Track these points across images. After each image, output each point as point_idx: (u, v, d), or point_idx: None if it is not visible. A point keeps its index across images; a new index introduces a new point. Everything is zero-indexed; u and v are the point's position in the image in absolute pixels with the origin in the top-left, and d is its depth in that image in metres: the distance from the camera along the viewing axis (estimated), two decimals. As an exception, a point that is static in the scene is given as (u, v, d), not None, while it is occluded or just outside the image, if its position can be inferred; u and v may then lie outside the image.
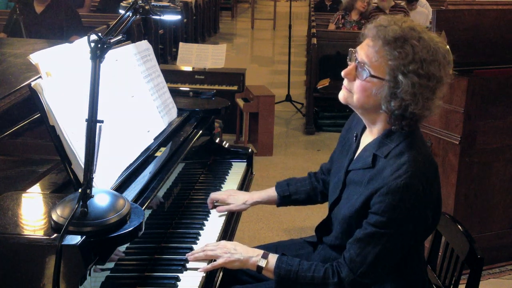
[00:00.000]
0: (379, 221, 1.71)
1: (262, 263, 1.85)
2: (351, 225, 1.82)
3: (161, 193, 1.98)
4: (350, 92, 1.81)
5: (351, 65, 1.79)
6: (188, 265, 1.88)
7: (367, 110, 1.82)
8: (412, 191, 1.69)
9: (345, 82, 1.83)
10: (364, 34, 1.79)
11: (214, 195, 2.32)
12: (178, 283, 1.79)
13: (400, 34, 1.71)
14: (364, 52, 1.76)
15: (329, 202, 2.02)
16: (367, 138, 1.90)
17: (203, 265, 1.88)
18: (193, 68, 5.90)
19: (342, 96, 1.84)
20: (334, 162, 2.08)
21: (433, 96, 1.73)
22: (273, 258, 1.86)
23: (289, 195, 2.25)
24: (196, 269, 1.86)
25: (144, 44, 2.35)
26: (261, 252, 1.88)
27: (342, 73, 1.81)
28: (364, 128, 1.94)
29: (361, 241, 1.75)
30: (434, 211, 1.81)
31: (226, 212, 2.27)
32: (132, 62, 2.18)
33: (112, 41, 1.50)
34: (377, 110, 1.79)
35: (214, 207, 2.30)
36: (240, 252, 1.89)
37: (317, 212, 3.73)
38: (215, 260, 1.89)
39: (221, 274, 1.93)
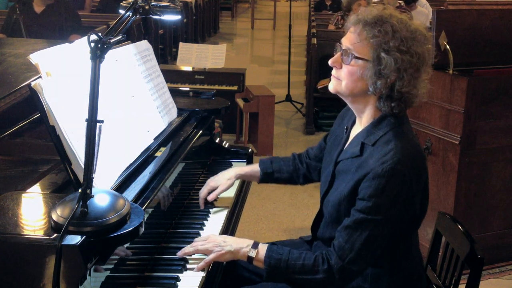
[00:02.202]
0: (366, 207, 1.74)
1: (252, 253, 1.85)
2: (340, 213, 1.85)
3: (161, 193, 1.98)
4: (339, 79, 1.86)
5: (337, 54, 1.85)
6: (188, 265, 1.88)
7: (356, 97, 1.86)
8: (398, 176, 1.72)
9: (333, 71, 1.88)
10: (347, 26, 1.86)
11: (201, 195, 2.30)
12: (178, 283, 1.78)
13: (379, 15, 1.79)
14: (347, 39, 1.83)
15: (320, 195, 2.04)
16: (356, 130, 1.93)
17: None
18: (193, 68, 5.90)
19: (332, 86, 1.89)
20: (324, 156, 2.11)
21: (417, 74, 1.78)
22: (263, 247, 1.86)
23: (272, 173, 2.28)
24: (196, 269, 1.87)
25: (144, 44, 2.35)
26: (251, 242, 1.88)
27: (329, 62, 1.87)
28: (354, 122, 1.98)
29: (349, 228, 1.77)
30: (421, 202, 1.83)
31: (226, 212, 2.28)
32: (132, 62, 2.18)
33: (112, 41, 1.50)
34: (365, 95, 1.83)
35: (206, 204, 2.29)
36: (230, 243, 1.89)
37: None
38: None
39: (220, 274, 1.93)
